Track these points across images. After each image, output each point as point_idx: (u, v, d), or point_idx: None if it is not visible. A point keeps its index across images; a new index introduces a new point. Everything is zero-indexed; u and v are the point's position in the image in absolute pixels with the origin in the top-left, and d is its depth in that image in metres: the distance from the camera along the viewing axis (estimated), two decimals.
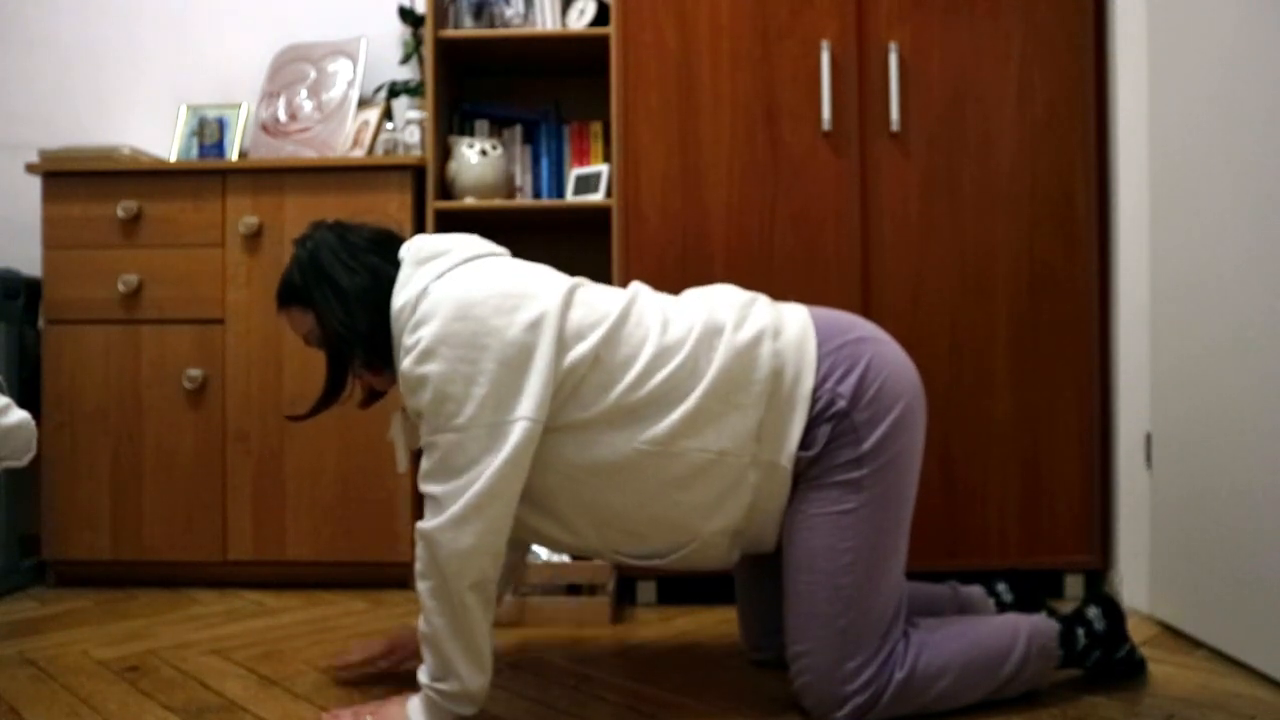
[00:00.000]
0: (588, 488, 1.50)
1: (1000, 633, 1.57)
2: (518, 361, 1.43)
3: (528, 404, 1.42)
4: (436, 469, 1.44)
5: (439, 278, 1.51)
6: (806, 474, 1.51)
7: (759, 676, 1.73)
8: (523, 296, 1.47)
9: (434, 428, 1.43)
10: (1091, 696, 1.59)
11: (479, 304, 1.45)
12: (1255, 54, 1.69)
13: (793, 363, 1.51)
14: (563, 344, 1.46)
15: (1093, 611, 1.66)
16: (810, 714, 1.51)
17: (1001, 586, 1.88)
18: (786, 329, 1.54)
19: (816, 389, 1.51)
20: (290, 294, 1.61)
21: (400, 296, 1.51)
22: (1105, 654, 1.64)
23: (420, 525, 1.44)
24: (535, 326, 1.44)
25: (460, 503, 1.41)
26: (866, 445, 1.49)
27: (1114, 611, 1.66)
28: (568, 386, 1.46)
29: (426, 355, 1.43)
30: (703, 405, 1.47)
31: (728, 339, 1.51)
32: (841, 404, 1.50)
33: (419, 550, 1.45)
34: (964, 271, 2.20)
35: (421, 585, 1.45)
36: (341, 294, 1.56)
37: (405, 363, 1.46)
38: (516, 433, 1.41)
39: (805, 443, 1.50)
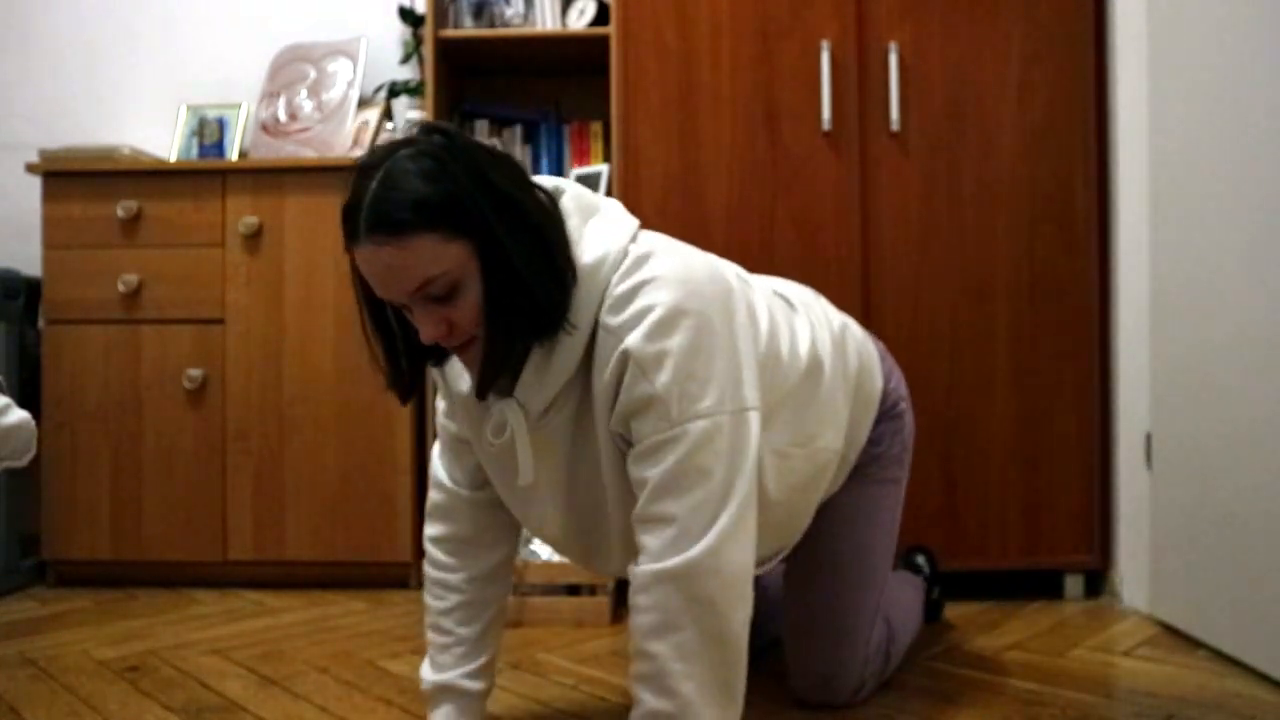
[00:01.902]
0: None
1: (905, 586, 1.80)
2: (734, 344, 1.21)
3: (752, 392, 1.21)
4: (679, 475, 1.15)
5: (633, 239, 1.24)
6: (865, 470, 1.57)
7: (759, 674, 1.73)
8: (721, 277, 1.27)
9: (674, 417, 1.15)
10: (1091, 696, 1.59)
11: (697, 274, 1.21)
12: (1255, 54, 1.69)
13: (867, 356, 1.57)
14: (759, 336, 1.31)
15: (920, 559, 2.04)
16: (836, 695, 1.54)
17: (921, 559, 2.06)
18: (852, 324, 1.60)
19: (883, 389, 1.59)
20: (434, 213, 1.11)
21: (592, 249, 1.20)
22: (929, 592, 1.96)
23: (665, 565, 1.13)
24: (738, 310, 1.25)
25: (727, 513, 1.15)
26: (910, 444, 1.63)
27: (931, 554, 2.05)
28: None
29: (665, 326, 1.15)
30: (829, 402, 1.44)
31: (832, 332, 1.51)
32: (901, 404, 1.61)
33: (656, 599, 1.13)
34: (964, 272, 2.20)
35: (660, 647, 1.13)
36: (527, 222, 1.16)
37: (633, 337, 1.15)
38: (754, 424, 1.20)
39: (874, 438, 1.57)
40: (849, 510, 1.54)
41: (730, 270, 1.34)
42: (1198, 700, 1.56)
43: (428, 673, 1.42)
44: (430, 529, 1.44)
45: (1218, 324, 1.79)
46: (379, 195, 1.14)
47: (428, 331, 1.17)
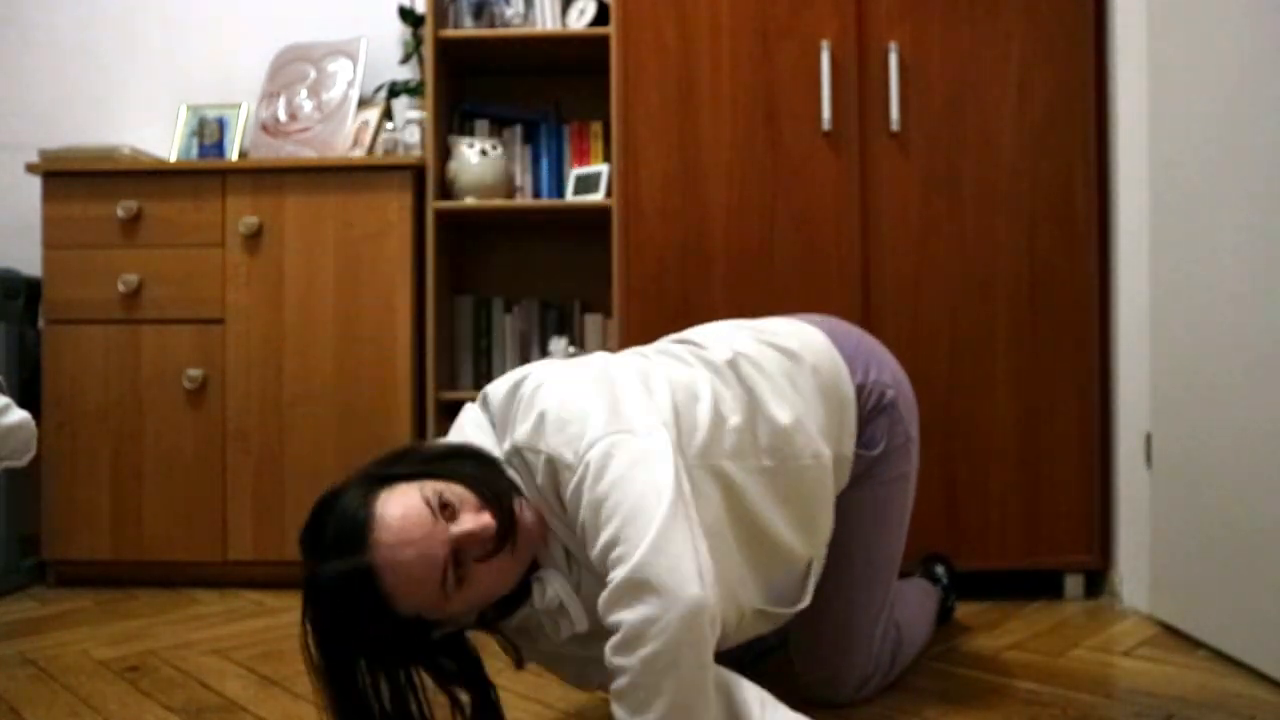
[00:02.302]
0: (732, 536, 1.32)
1: (917, 591, 1.82)
2: (600, 385, 1.27)
3: (640, 417, 1.23)
4: (596, 503, 1.15)
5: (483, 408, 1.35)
6: (872, 473, 1.54)
7: (759, 674, 1.73)
8: (560, 362, 1.37)
9: (571, 461, 1.18)
10: (1092, 696, 1.59)
11: (534, 369, 1.33)
12: (1255, 54, 1.69)
13: (828, 362, 1.50)
14: (646, 370, 1.36)
15: (940, 569, 2.02)
16: (840, 695, 1.55)
17: (940, 569, 2.04)
18: (798, 337, 1.54)
19: (862, 384, 1.52)
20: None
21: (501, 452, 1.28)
22: (944, 600, 1.96)
23: (614, 583, 1.10)
24: (588, 365, 1.35)
25: (657, 520, 1.13)
26: (913, 433, 1.58)
27: (950, 563, 2.04)
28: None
29: (528, 408, 1.24)
30: (803, 402, 1.43)
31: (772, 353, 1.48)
32: (889, 392, 1.54)
33: (618, 617, 1.10)
34: (964, 271, 2.20)
35: (629, 660, 1.09)
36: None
37: (520, 435, 1.23)
38: (651, 440, 1.20)
39: (867, 441, 1.52)
40: (857, 509, 1.53)
41: (591, 357, 1.39)
42: (1198, 700, 1.56)
43: None
44: None
45: (1218, 324, 1.79)
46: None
47: (479, 536, 1.19)
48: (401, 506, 1.15)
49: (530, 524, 1.23)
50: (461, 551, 1.16)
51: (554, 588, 1.25)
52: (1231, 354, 1.75)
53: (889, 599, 1.59)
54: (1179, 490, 1.94)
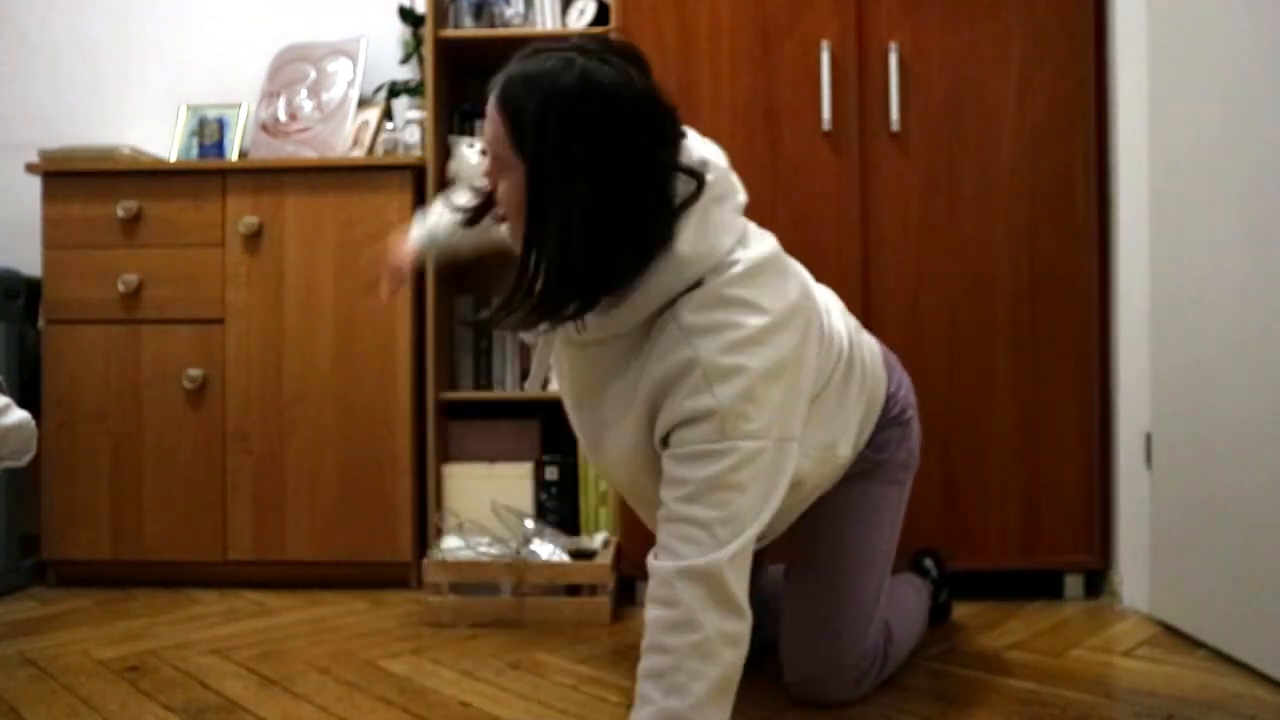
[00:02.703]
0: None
1: (909, 589, 1.82)
2: (798, 380, 1.28)
3: (798, 424, 1.29)
4: (718, 485, 1.19)
5: (740, 242, 1.28)
6: (869, 472, 1.58)
7: (759, 673, 1.73)
8: (805, 311, 1.32)
9: (726, 431, 1.19)
10: (1092, 696, 1.59)
11: (788, 304, 1.27)
12: (1256, 53, 1.69)
13: (874, 362, 1.59)
14: (823, 370, 1.41)
15: (928, 562, 2.02)
16: (831, 694, 1.55)
17: (928, 562, 2.04)
18: (862, 331, 1.63)
19: (892, 395, 1.61)
20: (511, 116, 1.20)
21: (698, 241, 1.24)
22: (936, 596, 1.96)
23: (691, 564, 1.17)
24: (811, 346, 1.33)
25: (750, 530, 1.20)
26: (915, 454, 1.65)
27: (939, 558, 2.03)
28: None
29: (745, 345, 1.21)
30: (850, 413, 1.50)
31: (853, 342, 1.54)
32: (909, 412, 1.63)
33: (677, 595, 1.16)
34: (964, 271, 2.19)
35: (678, 642, 1.16)
36: (593, 195, 1.19)
37: (708, 347, 1.20)
38: (793, 454, 1.27)
39: (875, 445, 1.58)
40: (851, 509, 1.55)
41: (816, 299, 1.39)
42: (1198, 700, 1.56)
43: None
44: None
45: (1218, 323, 1.79)
46: (527, 60, 1.23)
47: (486, 180, 1.31)
48: (489, 102, 1.25)
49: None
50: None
51: (542, 348, 1.40)
52: (1231, 354, 1.75)
53: (880, 598, 1.59)
54: (1179, 490, 1.94)
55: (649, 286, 1.23)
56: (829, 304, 1.54)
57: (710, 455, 1.19)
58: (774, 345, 1.22)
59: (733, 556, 1.18)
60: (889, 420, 1.60)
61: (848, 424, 1.50)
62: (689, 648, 1.15)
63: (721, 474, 1.19)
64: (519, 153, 1.19)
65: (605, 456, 1.41)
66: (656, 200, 1.22)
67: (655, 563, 1.22)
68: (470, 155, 2.49)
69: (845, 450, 1.51)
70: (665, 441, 1.26)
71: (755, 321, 1.21)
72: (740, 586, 1.20)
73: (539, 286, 1.20)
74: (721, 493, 1.19)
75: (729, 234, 1.27)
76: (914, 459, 1.66)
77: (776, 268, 1.29)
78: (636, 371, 1.27)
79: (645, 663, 1.18)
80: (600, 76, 1.19)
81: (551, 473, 2.45)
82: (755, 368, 1.20)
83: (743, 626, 1.21)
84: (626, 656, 1.85)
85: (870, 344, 1.63)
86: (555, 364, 1.45)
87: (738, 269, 1.24)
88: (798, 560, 1.58)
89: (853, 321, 1.62)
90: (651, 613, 1.20)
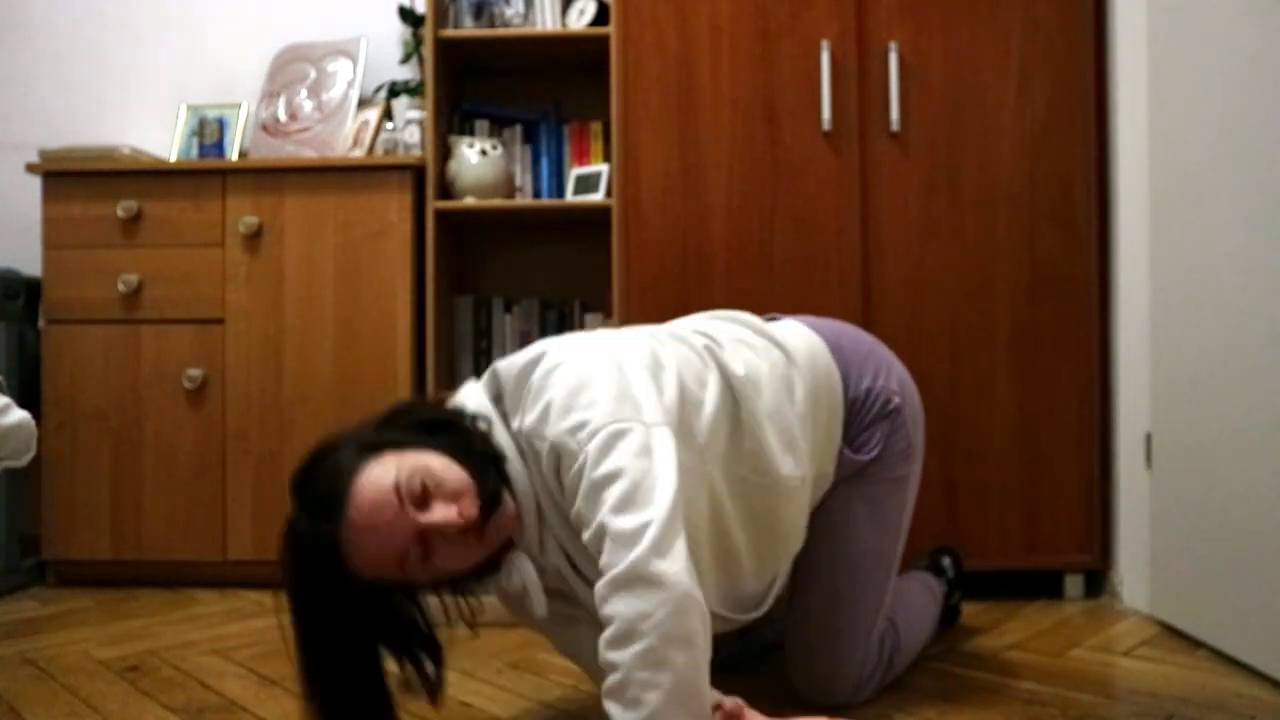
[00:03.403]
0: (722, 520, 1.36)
1: (920, 588, 1.80)
2: (610, 373, 1.27)
3: (652, 410, 1.25)
4: (597, 485, 1.18)
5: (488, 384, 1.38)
6: (866, 472, 1.54)
7: (759, 673, 1.73)
8: (581, 339, 1.37)
9: (575, 448, 1.21)
10: (1092, 696, 1.59)
11: (549, 347, 1.34)
12: (1255, 53, 1.69)
13: (822, 370, 1.50)
14: (658, 365, 1.36)
15: (946, 560, 1.98)
16: (835, 696, 1.53)
17: (946, 561, 2.00)
18: (800, 345, 1.52)
19: (869, 389, 1.53)
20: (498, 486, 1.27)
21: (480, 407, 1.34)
22: (948, 597, 1.93)
23: (615, 572, 1.13)
24: (603, 348, 1.33)
25: (657, 510, 1.16)
26: (915, 440, 1.58)
27: (958, 558, 1.99)
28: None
29: (538, 393, 1.27)
30: (782, 431, 1.44)
31: (772, 362, 1.47)
32: (895, 400, 1.54)
33: (614, 609, 1.12)
34: (964, 271, 2.20)
35: (622, 656, 1.11)
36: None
37: (528, 428, 1.26)
38: (661, 438, 1.22)
39: (860, 445, 1.52)
40: (850, 513, 1.53)
41: (608, 335, 1.39)
42: (1198, 700, 1.56)
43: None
44: None
45: (1218, 324, 1.79)
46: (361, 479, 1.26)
47: (449, 522, 1.23)
48: (374, 490, 1.21)
49: (507, 515, 1.26)
50: (429, 535, 1.21)
51: (520, 574, 1.29)
52: (1231, 354, 1.75)
53: (886, 599, 1.57)
54: (1179, 490, 1.94)
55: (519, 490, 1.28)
56: (731, 333, 1.48)
57: (579, 472, 1.19)
58: (560, 375, 1.25)
59: (654, 547, 1.12)
60: (871, 417, 1.53)
61: (782, 444, 1.40)
62: (634, 659, 1.10)
63: (592, 475, 1.17)
64: (467, 465, 1.24)
65: (588, 647, 1.33)
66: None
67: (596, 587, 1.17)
68: (470, 155, 2.49)
69: (794, 469, 1.41)
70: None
71: (536, 379, 1.27)
72: (675, 576, 1.12)
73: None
74: (602, 488, 1.16)
75: (475, 393, 1.35)
76: (913, 448, 1.58)
77: (539, 349, 1.33)
78: (561, 540, 1.30)
79: (605, 683, 1.14)
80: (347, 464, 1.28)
81: None
82: (554, 396, 1.24)
83: (689, 622, 1.12)
84: None
85: (807, 346, 1.52)
86: (519, 613, 1.42)
87: (532, 391, 1.28)
88: (799, 565, 1.57)
89: (791, 326, 1.55)
90: (601, 635, 1.15)
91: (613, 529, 1.14)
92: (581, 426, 1.20)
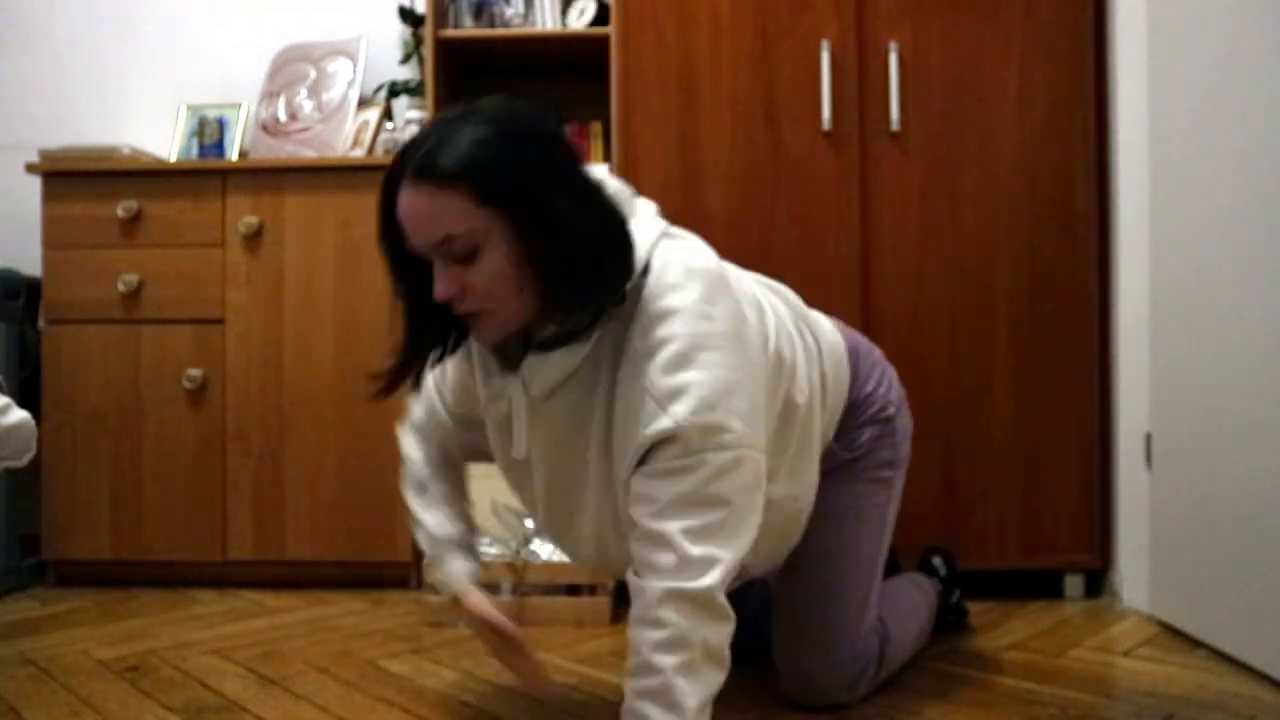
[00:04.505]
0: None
1: (911, 588, 1.79)
2: (749, 384, 1.23)
3: (762, 436, 1.24)
4: (696, 499, 1.16)
5: (653, 247, 1.24)
6: (851, 469, 1.56)
7: (759, 675, 1.73)
8: (740, 315, 1.27)
9: (694, 446, 1.16)
10: (1092, 696, 1.59)
11: (719, 308, 1.22)
12: (1255, 53, 1.69)
13: (834, 365, 1.53)
14: (777, 379, 1.35)
15: (936, 560, 1.99)
16: (824, 695, 1.53)
17: (937, 560, 2.00)
18: (824, 332, 1.56)
19: (870, 394, 1.57)
20: (472, 176, 1.14)
21: (646, 250, 1.22)
22: (946, 596, 1.93)
23: (683, 586, 1.14)
24: (753, 349, 1.27)
25: (737, 544, 1.18)
26: (902, 451, 1.61)
27: (951, 558, 1.99)
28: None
29: (682, 359, 1.17)
30: (813, 456, 1.48)
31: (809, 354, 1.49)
32: (891, 410, 1.59)
33: (668, 616, 1.15)
34: (964, 271, 2.20)
35: (669, 662, 1.15)
36: (585, 203, 1.19)
37: (651, 371, 1.17)
38: (764, 465, 1.24)
39: (848, 444, 1.55)
40: (832, 508, 1.53)
41: (750, 299, 1.34)
42: (1198, 700, 1.56)
43: (432, 531, 1.50)
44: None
45: (1218, 324, 1.79)
46: (433, 145, 1.17)
47: (440, 289, 1.19)
48: (414, 214, 1.17)
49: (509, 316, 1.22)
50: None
51: (514, 398, 1.28)
52: (1231, 354, 1.75)
53: (872, 598, 1.57)
54: (1179, 490, 1.94)
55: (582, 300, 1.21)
56: (780, 316, 1.44)
57: (683, 470, 1.16)
58: (709, 354, 1.18)
59: (725, 575, 1.16)
60: (865, 419, 1.56)
61: (809, 471, 1.46)
62: (678, 667, 1.15)
63: (698, 488, 1.16)
64: (492, 202, 1.15)
65: (578, 533, 1.37)
66: (610, 207, 1.23)
67: (639, 581, 1.19)
68: None
69: (808, 496, 1.48)
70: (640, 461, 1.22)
71: (683, 330, 1.18)
72: (726, 605, 1.19)
73: (576, 287, 1.18)
74: (701, 506, 1.16)
75: (644, 246, 1.24)
76: (899, 456, 1.61)
77: (695, 271, 1.24)
78: (597, 423, 1.25)
79: (638, 682, 1.17)
80: (507, 107, 1.21)
81: None
82: (698, 380, 1.16)
83: (730, 628, 1.21)
84: (626, 656, 1.85)
85: (832, 345, 1.54)
86: (508, 464, 1.40)
87: (669, 276, 1.21)
88: (786, 564, 1.58)
89: (825, 323, 1.58)
90: (639, 631, 1.18)
91: (680, 546, 1.15)
92: (712, 431, 1.16)
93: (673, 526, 1.16)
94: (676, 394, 1.16)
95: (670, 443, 1.17)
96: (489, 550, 2.16)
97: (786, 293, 1.58)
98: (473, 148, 1.15)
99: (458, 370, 1.46)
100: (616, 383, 1.22)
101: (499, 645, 1.39)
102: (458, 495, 1.56)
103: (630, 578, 1.22)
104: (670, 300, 1.19)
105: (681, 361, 1.17)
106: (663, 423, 1.16)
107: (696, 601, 1.15)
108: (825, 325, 1.58)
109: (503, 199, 1.15)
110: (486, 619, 1.36)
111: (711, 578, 1.15)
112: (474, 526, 1.56)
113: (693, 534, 1.15)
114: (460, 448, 1.57)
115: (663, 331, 1.18)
